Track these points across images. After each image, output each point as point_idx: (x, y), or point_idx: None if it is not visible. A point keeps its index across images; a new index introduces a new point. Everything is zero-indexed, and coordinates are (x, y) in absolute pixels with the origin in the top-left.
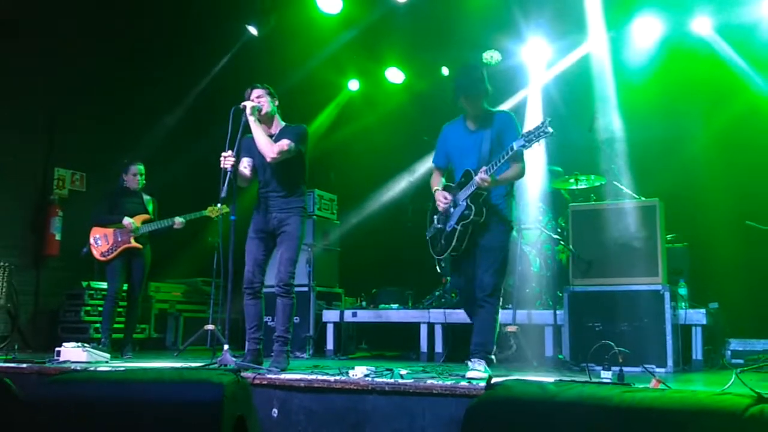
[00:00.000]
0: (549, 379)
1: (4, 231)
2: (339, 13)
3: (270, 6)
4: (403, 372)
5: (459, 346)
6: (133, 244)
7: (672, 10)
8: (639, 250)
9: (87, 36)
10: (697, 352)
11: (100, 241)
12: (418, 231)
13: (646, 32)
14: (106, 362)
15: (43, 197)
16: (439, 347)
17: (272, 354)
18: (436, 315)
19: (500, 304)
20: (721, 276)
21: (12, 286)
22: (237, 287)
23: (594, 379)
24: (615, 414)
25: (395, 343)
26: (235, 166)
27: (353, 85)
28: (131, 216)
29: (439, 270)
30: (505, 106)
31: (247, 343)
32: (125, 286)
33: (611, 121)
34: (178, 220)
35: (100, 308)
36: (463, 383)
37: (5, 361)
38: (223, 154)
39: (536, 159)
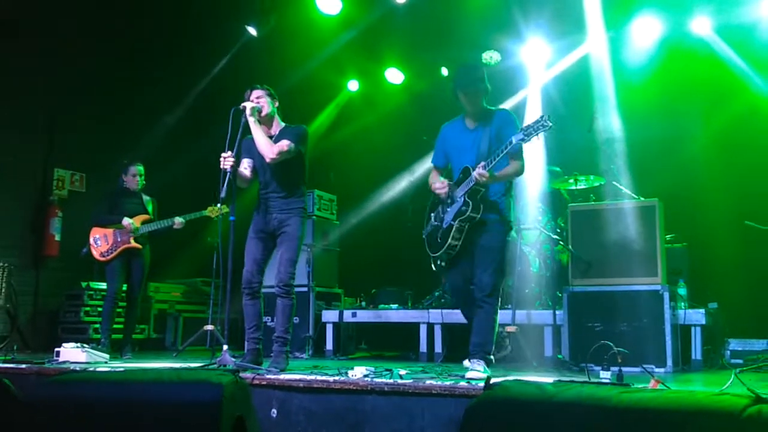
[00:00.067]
0: (548, 379)
1: (4, 231)
2: (338, 14)
3: (270, 6)
4: (403, 372)
5: (458, 346)
6: (133, 244)
7: (671, 11)
8: (638, 251)
9: (87, 36)
10: (697, 352)
11: (100, 242)
12: (417, 231)
13: (646, 32)
14: (106, 363)
15: (42, 197)
16: (438, 347)
17: (272, 354)
18: (436, 315)
19: (499, 304)
20: (720, 276)
21: (11, 287)
22: (236, 287)
23: (593, 380)
24: (613, 414)
25: (395, 343)
26: (235, 166)
27: (353, 85)
28: (131, 216)
29: (434, 268)
30: (505, 106)
31: (246, 343)
32: (125, 287)
33: (611, 122)
34: (178, 221)
35: (99, 309)
36: (462, 383)
37: (5, 361)
38: (223, 154)
39: (535, 159)
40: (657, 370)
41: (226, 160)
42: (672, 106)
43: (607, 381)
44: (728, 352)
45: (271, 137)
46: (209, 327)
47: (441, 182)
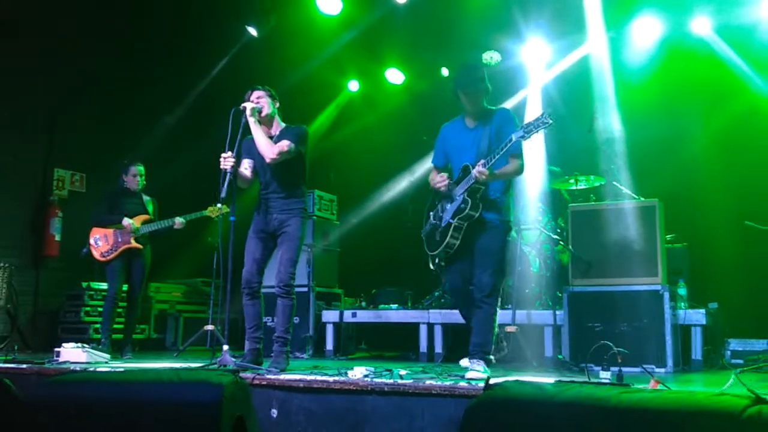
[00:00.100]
0: (548, 379)
1: (4, 231)
2: (339, 14)
3: (270, 6)
4: (403, 372)
5: (458, 346)
6: (133, 244)
7: (671, 11)
8: (638, 251)
9: (87, 36)
10: (697, 353)
11: (100, 242)
12: (417, 231)
13: (646, 32)
14: (106, 363)
15: (42, 198)
16: (438, 347)
17: (272, 354)
18: (436, 315)
19: (498, 304)
20: (720, 276)
21: (12, 287)
22: (236, 287)
23: (593, 380)
24: (613, 414)
25: (395, 343)
26: (235, 167)
27: (353, 85)
28: (131, 217)
29: (432, 267)
30: (505, 106)
31: (246, 343)
32: (125, 287)
33: (611, 122)
34: (179, 221)
35: (99, 309)
36: (462, 384)
37: (5, 361)
38: (223, 155)
39: (536, 159)
40: (657, 370)
41: (227, 161)
42: (672, 106)
43: (607, 381)
44: (728, 352)
45: (271, 138)
46: (209, 327)
47: (441, 176)
